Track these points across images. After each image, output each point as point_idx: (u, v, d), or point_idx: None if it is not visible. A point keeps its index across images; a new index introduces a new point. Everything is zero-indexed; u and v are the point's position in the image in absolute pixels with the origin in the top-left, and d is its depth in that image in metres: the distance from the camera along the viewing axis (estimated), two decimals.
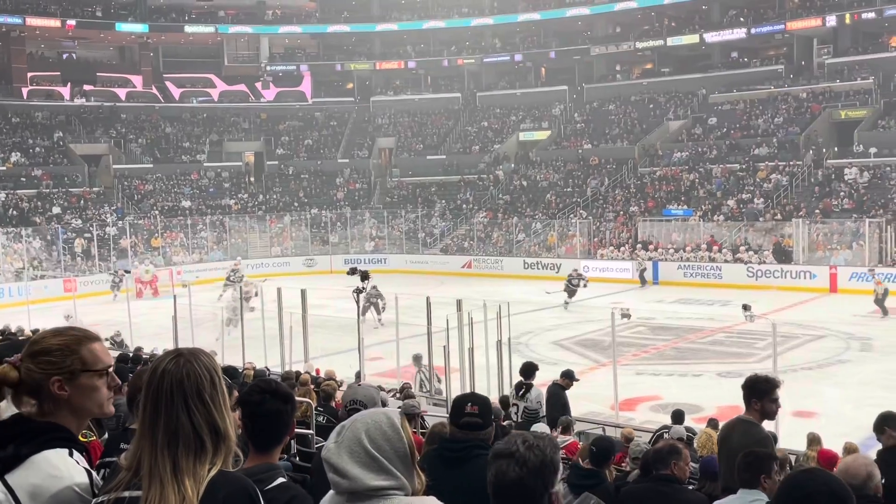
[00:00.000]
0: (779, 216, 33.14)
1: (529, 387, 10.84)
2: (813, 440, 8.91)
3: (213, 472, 1.89)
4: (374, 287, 21.89)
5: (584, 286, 27.04)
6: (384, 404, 8.43)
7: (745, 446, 3.91)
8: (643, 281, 31.69)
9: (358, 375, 13.59)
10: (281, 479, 2.44)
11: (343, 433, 2.13)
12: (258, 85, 53.77)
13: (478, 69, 54.15)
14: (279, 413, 2.65)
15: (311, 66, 54.47)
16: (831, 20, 42.22)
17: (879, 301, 23.84)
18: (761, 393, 4.45)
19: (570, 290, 26.59)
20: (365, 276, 16.16)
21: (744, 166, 37.56)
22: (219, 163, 48.42)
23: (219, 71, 53.89)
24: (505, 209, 41.56)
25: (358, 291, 15.35)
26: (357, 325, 15.27)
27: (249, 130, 51.84)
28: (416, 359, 15.06)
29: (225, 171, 47.91)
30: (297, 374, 11.87)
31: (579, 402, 13.56)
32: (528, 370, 11.06)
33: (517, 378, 14.59)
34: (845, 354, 18.88)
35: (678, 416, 10.51)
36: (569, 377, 11.15)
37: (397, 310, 15.97)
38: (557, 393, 10.86)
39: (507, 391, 12.71)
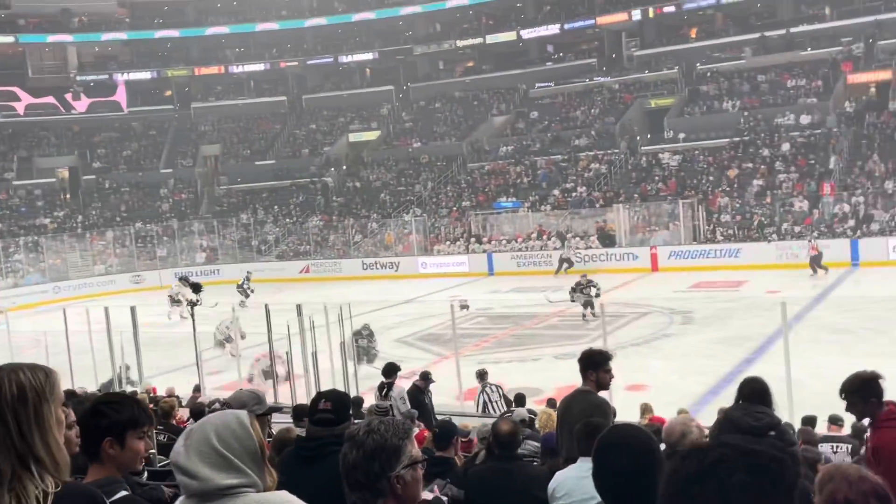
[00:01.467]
0: (601, 202, 34.77)
1: (391, 385, 10.95)
2: (645, 410, 9.43)
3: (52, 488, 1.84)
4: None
5: (597, 294, 21.73)
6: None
7: (585, 413, 4.10)
8: (561, 266, 30.75)
9: (197, 388, 13.19)
10: (123, 492, 2.38)
11: (191, 436, 2.12)
12: (68, 96, 50.83)
13: (302, 72, 53.59)
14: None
15: (125, 75, 52.08)
16: (636, 14, 44.65)
17: (816, 260, 25.91)
18: (596, 364, 4.69)
19: (586, 301, 21.63)
20: (197, 289, 15.65)
21: (566, 157, 39.13)
22: (29, 180, 45.51)
23: (23, 83, 50.50)
24: (340, 211, 41.38)
25: (192, 304, 14.86)
26: (193, 338, 14.77)
27: (61, 144, 49.01)
28: (481, 375, 12.85)
29: (37, 189, 45.08)
30: (134, 393, 11.36)
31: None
32: (390, 370, 11.16)
33: (363, 379, 14.61)
34: (669, 329, 20.06)
35: (520, 400, 10.86)
36: (425, 378, 11.34)
37: (234, 321, 15.59)
38: (416, 396, 10.99)
39: (355, 392, 12.69)
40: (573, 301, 22.01)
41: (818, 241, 27.02)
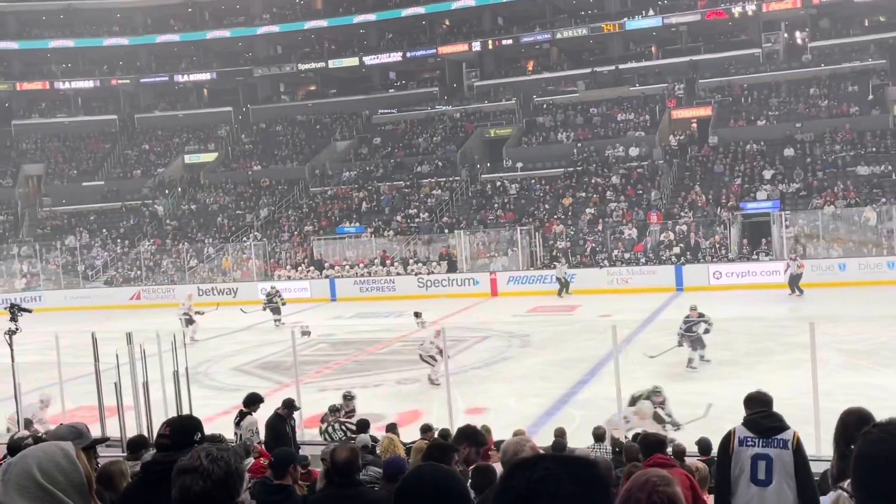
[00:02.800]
0: (446, 231, 35.25)
1: (245, 415, 10.60)
2: (485, 432, 9.49)
3: None
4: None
5: (707, 331, 18.14)
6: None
7: None
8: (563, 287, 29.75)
9: (28, 423, 12.27)
10: None
11: (10, 470, 1.96)
12: None
13: (135, 90, 51.55)
14: None
15: None
16: (476, 46, 45.86)
17: (795, 279, 25.75)
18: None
19: (695, 341, 19.02)
20: (14, 316, 14.53)
21: (408, 183, 39.46)
22: None
23: None
24: (174, 235, 39.87)
25: (10, 333, 13.78)
26: (12, 368, 13.70)
27: None
28: (333, 410, 12.48)
29: None
30: None
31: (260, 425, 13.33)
32: (251, 400, 10.80)
33: (198, 409, 13.99)
34: (508, 352, 20.46)
35: (362, 426, 10.72)
36: (289, 407, 11.05)
37: (58, 350, 14.60)
38: (276, 425, 10.64)
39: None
40: (680, 345, 17.41)
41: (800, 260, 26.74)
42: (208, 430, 10.63)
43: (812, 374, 9.93)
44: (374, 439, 9.82)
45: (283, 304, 27.13)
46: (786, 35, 43.01)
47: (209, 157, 47.23)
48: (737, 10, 41.48)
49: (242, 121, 50.02)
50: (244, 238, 37.86)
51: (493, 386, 16.85)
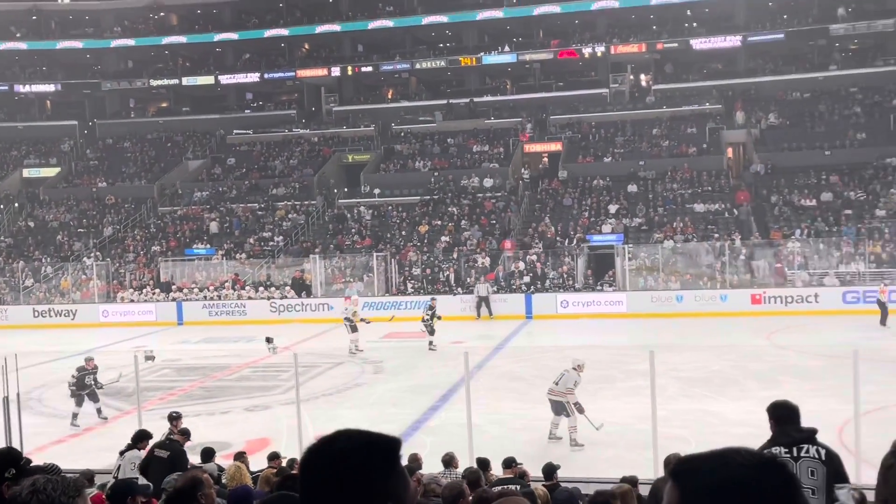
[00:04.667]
0: (298, 254, 34.82)
1: (129, 447, 10.04)
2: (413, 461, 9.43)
3: None
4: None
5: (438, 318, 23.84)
6: None
7: None
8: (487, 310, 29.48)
9: None
10: None
11: None
12: None
13: None
14: None
15: None
16: (336, 71, 45.83)
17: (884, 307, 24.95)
18: None
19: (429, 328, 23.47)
20: None
21: (263, 206, 38.79)
22: None
23: None
24: (8, 252, 37.50)
25: None
26: None
27: None
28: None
29: None
30: None
31: (101, 454, 12.68)
32: (140, 436, 10.26)
33: (30, 438, 13.16)
34: (361, 378, 20.36)
35: (207, 454, 10.41)
36: (184, 434, 10.63)
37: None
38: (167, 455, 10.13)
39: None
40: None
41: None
42: (40, 460, 10.03)
43: (651, 401, 10.38)
44: (220, 468, 9.54)
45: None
46: (632, 77, 45.34)
47: (50, 171, 44.84)
48: (587, 51, 43.40)
49: (88, 135, 47.83)
50: (85, 257, 36.05)
51: (345, 412, 16.70)
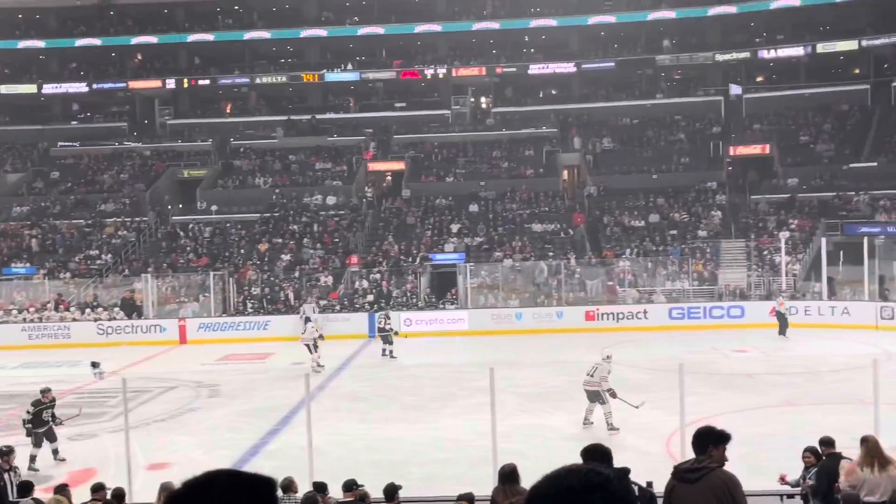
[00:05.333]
0: (127, 272, 33.15)
1: None
2: (164, 488, 8.88)
3: None
4: None
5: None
6: None
7: None
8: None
9: None
10: None
11: None
12: None
13: None
14: None
15: None
16: (171, 83, 44.21)
17: (783, 318, 25.95)
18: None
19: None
20: None
21: (90, 222, 36.75)
22: None
23: None
24: None
25: None
26: None
27: None
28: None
29: None
30: None
31: None
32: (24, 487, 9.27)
33: None
34: (196, 402, 19.51)
35: (25, 488, 9.62)
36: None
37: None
38: None
39: None
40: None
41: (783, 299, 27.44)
42: None
43: (491, 417, 10.44)
44: (37, 502, 8.82)
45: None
46: (472, 99, 46.26)
47: None
48: (429, 72, 43.95)
49: None
50: None
51: (178, 439, 15.94)
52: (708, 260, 32.26)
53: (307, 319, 28.66)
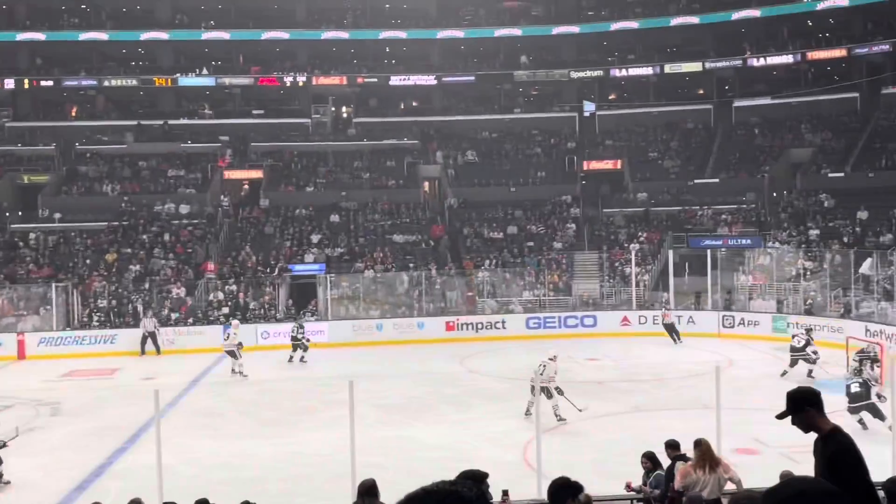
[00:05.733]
0: None
1: None
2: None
3: None
4: None
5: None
6: None
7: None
8: None
9: None
10: None
11: None
12: None
13: None
14: None
15: None
16: (10, 83, 41.65)
17: (671, 328, 27.15)
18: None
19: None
20: None
21: None
22: None
23: None
24: None
25: None
26: None
27: None
28: None
29: None
30: None
31: None
32: None
33: None
34: (35, 422, 18.35)
35: None
36: None
37: None
38: None
39: None
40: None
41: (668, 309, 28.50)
42: None
43: (350, 431, 10.29)
44: None
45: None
46: (333, 109, 45.87)
47: None
48: (288, 79, 43.28)
49: None
50: None
51: (16, 461, 14.89)
52: (563, 271, 33.19)
53: (145, 338, 27.47)
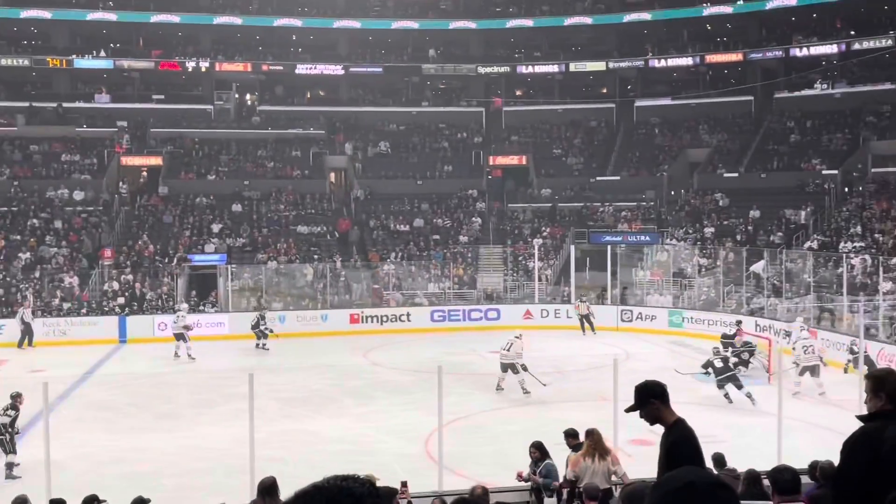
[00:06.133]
0: None
1: None
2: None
3: None
4: None
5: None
6: None
7: None
8: None
9: None
10: None
11: None
12: None
13: None
14: None
15: None
16: None
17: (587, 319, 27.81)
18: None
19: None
20: None
21: None
22: None
23: None
24: None
25: None
26: None
27: None
28: None
29: None
30: None
31: None
32: None
33: None
34: None
35: None
36: None
37: None
38: None
39: None
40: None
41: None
42: None
43: (249, 424, 10.09)
44: None
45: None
46: (237, 96, 44.88)
47: None
48: (190, 64, 42.14)
49: None
50: None
51: None
52: (468, 265, 33.41)
53: (25, 326, 26.22)
